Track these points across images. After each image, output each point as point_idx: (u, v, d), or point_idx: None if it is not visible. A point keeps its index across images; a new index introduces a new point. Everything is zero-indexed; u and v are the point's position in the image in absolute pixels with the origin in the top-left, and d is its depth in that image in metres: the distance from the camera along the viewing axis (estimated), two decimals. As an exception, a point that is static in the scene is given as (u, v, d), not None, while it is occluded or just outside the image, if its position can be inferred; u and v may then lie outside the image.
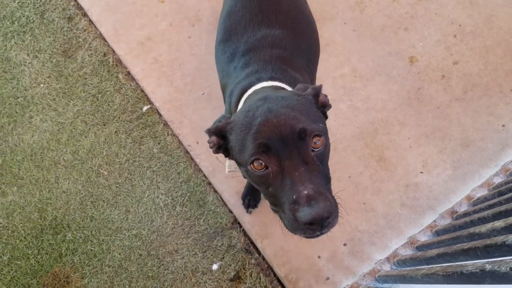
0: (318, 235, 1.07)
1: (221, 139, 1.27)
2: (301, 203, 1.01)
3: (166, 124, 2.60)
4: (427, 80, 2.52)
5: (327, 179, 1.15)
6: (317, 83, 2.37)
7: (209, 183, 2.45)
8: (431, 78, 2.53)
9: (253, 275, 2.24)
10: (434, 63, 2.56)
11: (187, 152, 2.53)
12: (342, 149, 2.41)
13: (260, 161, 1.11)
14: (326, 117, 1.32)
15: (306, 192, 1.02)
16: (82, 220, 2.43)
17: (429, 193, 2.29)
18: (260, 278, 2.22)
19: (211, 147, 1.31)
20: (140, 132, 2.59)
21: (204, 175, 2.47)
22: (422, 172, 2.33)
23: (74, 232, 2.41)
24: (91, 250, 2.37)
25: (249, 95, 1.46)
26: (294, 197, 1.03)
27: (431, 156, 2.36)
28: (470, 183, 2.29)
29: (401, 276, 1.60)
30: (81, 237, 2.40)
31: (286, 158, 1.08)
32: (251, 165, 1.13)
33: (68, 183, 2.51)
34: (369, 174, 2.35)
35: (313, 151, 1.11)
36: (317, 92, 1.26)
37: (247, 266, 2.26)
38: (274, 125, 1.09)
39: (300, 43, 1.73)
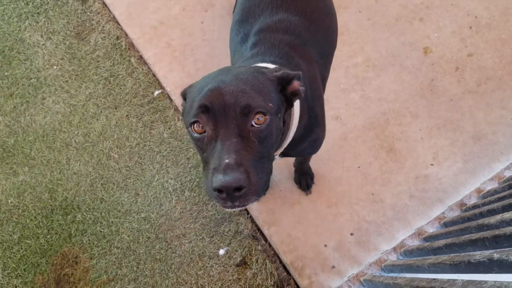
0: (230, 207, 1.06)
1: (185, 101, 1.28)
2: (218, 169, 1.01)
3: (177, 109, 2.61)
4: (441, 71, 2.50)
5: (261, 158, 1.12)
6: (330, 71, 2.36)
7: (218, 169, 2.45)
8: (445, 69, 2.50)
9: (259, 261, 2.25)
10: (449, 55, 2.53)
11: (197, 137, 2.53)
12: (352, 139, 2.40)
13: (200, 124, 1.11)
14: (291, 105, 1.29)
15: (227, 161, 1.01)
16: (92, 202, 2.46)
17: (439, 185, 2.28)
18: (266, 264, 2.23)
19: (182, 111, 1.32)
20: (151, 117, 2.60)
21: (213, 161, 2.47)
22: (432, 164, 2.32)
23: (84, 213, 2.44)
24: (100, 231, 2.40)
25: None
26: (217, 163, 1.03)
27: (442, 148, 2.34)
28: (480, 177, 2.27)
29: (408, 265, 1.60)
30: (90, 219, 2.43)
31: (222, 126, 1.08)
32: (192, 127, 1.13)
33: (79, 164, 2.54)
34: (379, 165, 2.34)
35: (252, 126, 1.10)
36: (289, 77, 1.22)
37: (253, 252, 2.27)
38: (220, 93, 1.09)
39: (316, 33, 1.70)
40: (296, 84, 1.23)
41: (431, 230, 2.04)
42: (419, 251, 1.74)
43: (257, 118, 1.10)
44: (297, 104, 1.37)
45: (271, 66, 1.40)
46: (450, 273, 1.21)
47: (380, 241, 2.19)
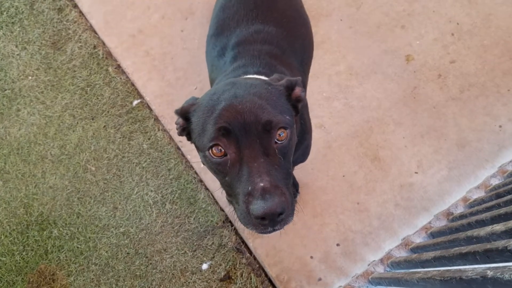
0: (270, 232, 1.03)
1: (185, 121, 1.21)
2: (255, 195, 0.97)
3: (156, 119, 2.54)
4: (423, 79, 2.48)
5: (287, 174, 1.10)
6: (312, 80, 2.33)
7: (201, 180, 2.40)
8: (428, 77, 2.49)
9: (244, 275, 2.19)
10: (431, 62, 2.52)
11: (178, 148, 2.47)
12: (336, 148, 2.36)
13: (220, 147, 1.05)
14: (298, 112, 1.26)
15: (262, 184, 0.97)
16: (69, 217, 2.37)
17: (424, 194, 2.25)
18: (251, 278, 2.18)
19: (177, 129, 1.26)
20: (129, 127, 2.53)
21: (196, 172, 2.41)
22: (416, 173, 2.29)
23: (61, 229, 2.35)
24: (77, 247, 2.31)
25: None
26: (249, 188, 0.99)
27: (426, 156, 2.32)
28: (466, 185, 2.25)
29: (395, 279, 1.55)
30: (67, 234, 2.34)
31: (246, 146, 1.03)
32: (210, 151, 1.07)
33: (55, 178, 2.45)
34: (364, 173, 2.31)
35: (276, 143, 1.07)
36: (292, 84, 1.19)
37: (238, 266, 2.22)
38: (237, 111, 1.03)
39: (293, 42, 1.69)
40: (298, 90, 1.20)
41: (418, 240, 2.01)
42: (406, 263, 1.70)
43: (279, 134, 1.06)
44: None
45: (257, 77, 1.36)
46: (440, 288, 1.16)
47: (366, 252, 2.15)
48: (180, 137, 2.43)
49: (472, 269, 0.99)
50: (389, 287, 1.66)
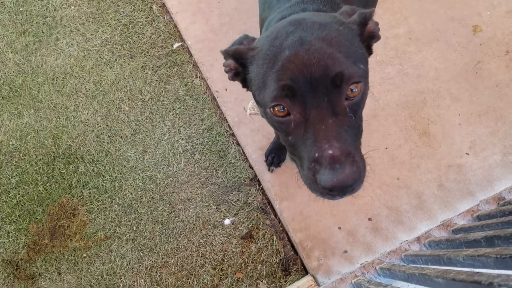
0: (337, 199, 0.93)
1: (239, 65, 1.07)
2: (323, 163, 0.86)
3: (195, 65, 2.43)
4: (489, 53, 2.26)
5: (358, 132, 0.98)
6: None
7: (233, 135, 2.29)
8: (494, 52, 2.26)
9: (266, 236, 2.10)
10: (500, 36, 2.29)
11: (214, 98, 2.36)
12: (383, 117, 2.19)
13: (283, 106, 0.93)
14: (371, 52, 1.10)
15: (330, 152, 0.85)
16: (97, 154, 2.31)
17: (472, 177, 2.07)
18: (273, 241, 2.08)
19: (226, 72, 1.12)
20: (167, 70, 2.43)
21: (229, 125, 2.30)
22: (468, 154, 2.10)
23: (87, 165, 2.30)
24: (102, 185, 2.26)
25: None
26: (316, 155, 0.87)
27: (481, 137, 2.13)
28: (520, 173, 2.05)
29: (436, 256, 1.40)
30: (93, 171, 2.28)
31: (313, 106, 0.90)
32: (271, 109, 0.95)
33: (87, 113, 2.38)
34: (409, 148, 2.14)
35: (347, 99, 0.92)
36: (366, 19, 1.03)
37: (261, 226, 2.12)
38: (303, 63, 0.89)
39: None
40: (371, 24, 1.04)
41: (462, 222, 1.84)
42: (448, 243, 1.54)
43: (351, 90, 0.92)
44: None
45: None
46: (494, 268, 1.02)
47: (399, 230, 2.01)
48: (217, 87, 2.34)
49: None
50: (425, 265, 1.52)
